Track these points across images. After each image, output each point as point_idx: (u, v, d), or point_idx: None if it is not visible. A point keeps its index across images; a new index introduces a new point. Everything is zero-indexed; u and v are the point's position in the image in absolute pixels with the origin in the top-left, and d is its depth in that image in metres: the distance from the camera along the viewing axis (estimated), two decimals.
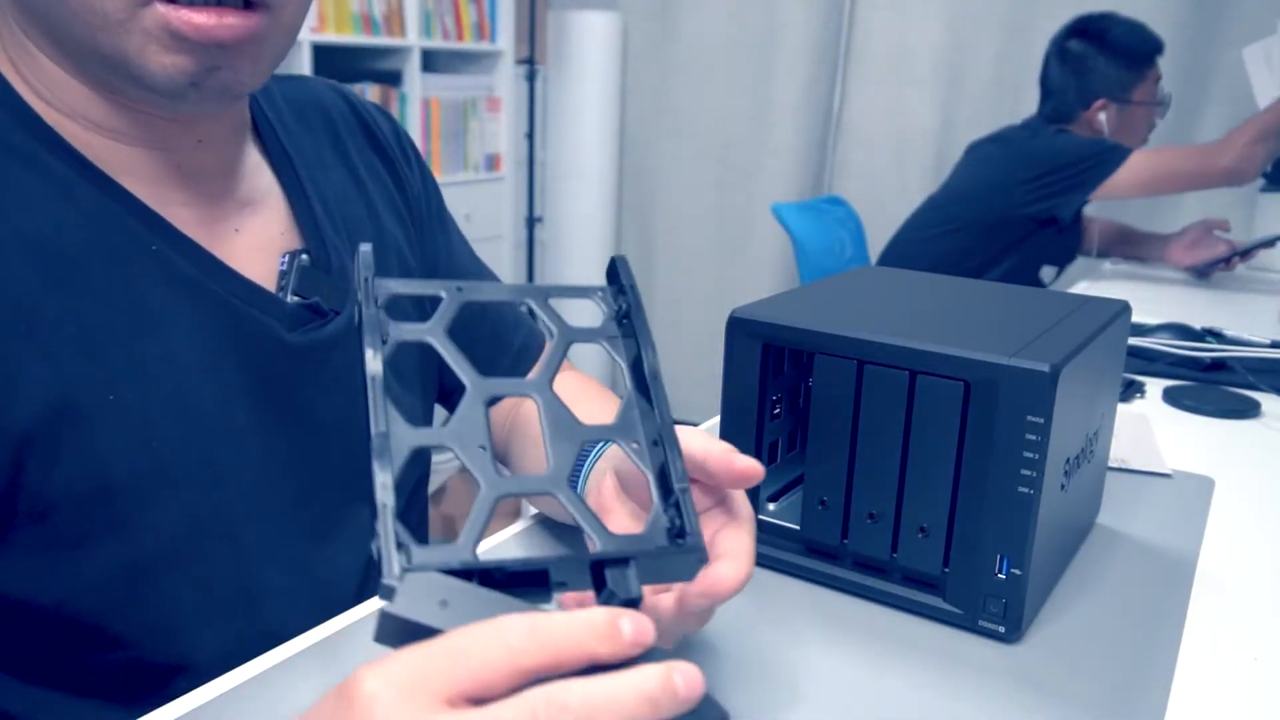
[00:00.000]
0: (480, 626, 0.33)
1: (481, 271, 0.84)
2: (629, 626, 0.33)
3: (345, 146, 0.74)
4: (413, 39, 2.57)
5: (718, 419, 0.69)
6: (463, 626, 0.33)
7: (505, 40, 2.86)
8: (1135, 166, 1.85)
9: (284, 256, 0.65)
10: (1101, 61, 1.93)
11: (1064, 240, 2.02)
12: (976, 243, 2.00)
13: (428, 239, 0.79)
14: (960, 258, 1.99)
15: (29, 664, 0.59)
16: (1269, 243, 1.86)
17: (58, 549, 0.55)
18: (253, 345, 0.62)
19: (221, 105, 0.60)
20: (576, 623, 0.33)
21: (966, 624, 0.61)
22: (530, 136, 2.99)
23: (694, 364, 3.25)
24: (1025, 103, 2.59)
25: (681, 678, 0.32)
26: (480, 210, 2.84)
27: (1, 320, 0.52)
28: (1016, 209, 1.94)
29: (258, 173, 0.66)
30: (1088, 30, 1.96)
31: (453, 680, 0.32)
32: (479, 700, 0.32)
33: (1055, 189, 1.91)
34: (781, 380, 0.67)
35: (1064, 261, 2.11)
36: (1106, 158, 1.87)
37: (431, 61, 2.71)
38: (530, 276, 3.08)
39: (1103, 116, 1.95)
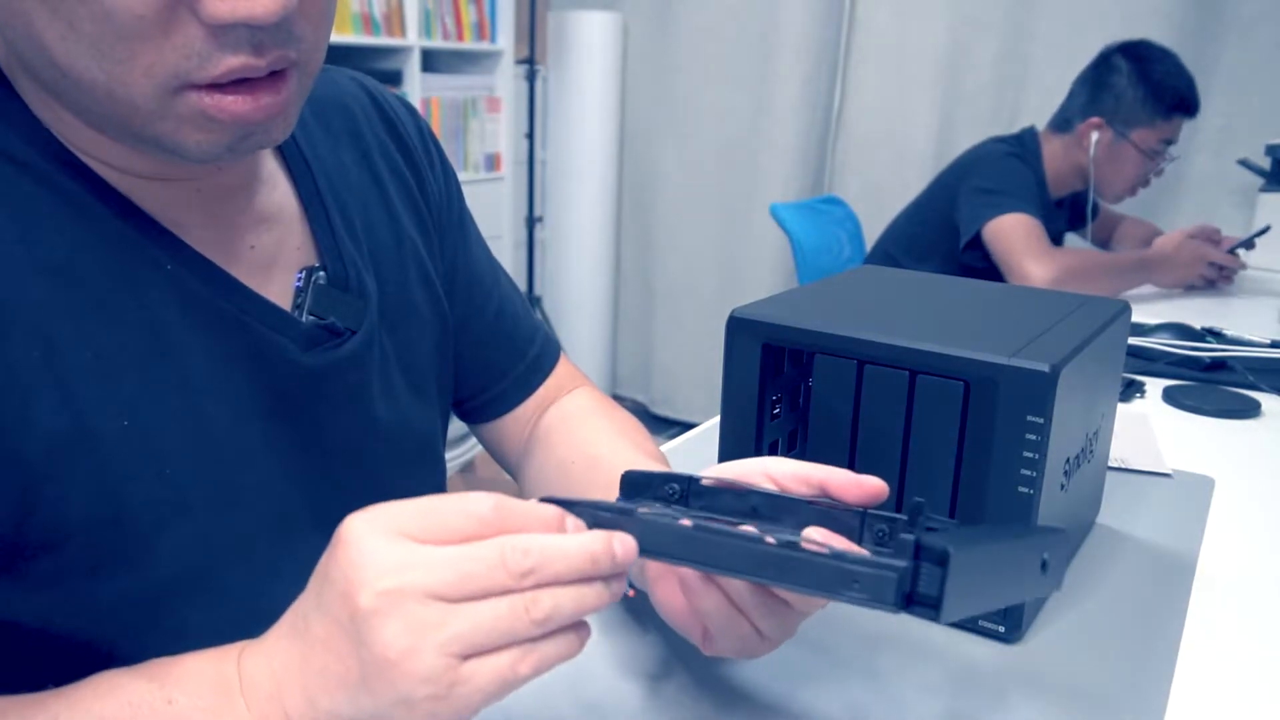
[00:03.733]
0: (456, 497, 0.42)
1: (498, 279, 0.84)
2: (571, 523, 0.42)
3: (366, 145, 0.72)
4: (413, 39, 2.57)
5: (718, 419, 0.70)
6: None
7: (505, 40, 2.86)
8: (1003, 224, 1.79)
9: (300, 273, 0.64)
10: (1125, 83, 1.85)
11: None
12: (937, 244, 1.98)
13: (448, 240, 0.78)
14: (923, 259, 1.98)
15: (43, 689, 0.58)
16: (1247, 242, 1.86)
17: (72, 577, 0.54)
18: (266, 366, 0.61)
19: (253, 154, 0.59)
20: (530, 509, 0.42)
21: (966, 624, 0.61)
22: (530, 136, 2.99)
23: (694, 364, 3.25)
24: (1025, 103, 2.60)
25: (620, 545, 0.41)
26: (480, 210, 2.84)
27: (17, 347, 0.51)
28: (949, 212, 1.93)
29: (274, 184, 0.65)
30: (1135, 51, 1.88)
31: (428, 529, 0.41)
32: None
33: (960, 199, 1.89)
34: (781, 380, 0.67)
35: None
36: (998, 199, 1.82)
37: (431, 61, 2.71)
38: (530, 276, 3.08)
39: (1095, 136, 1.88)
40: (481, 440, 0.87)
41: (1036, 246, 1.75)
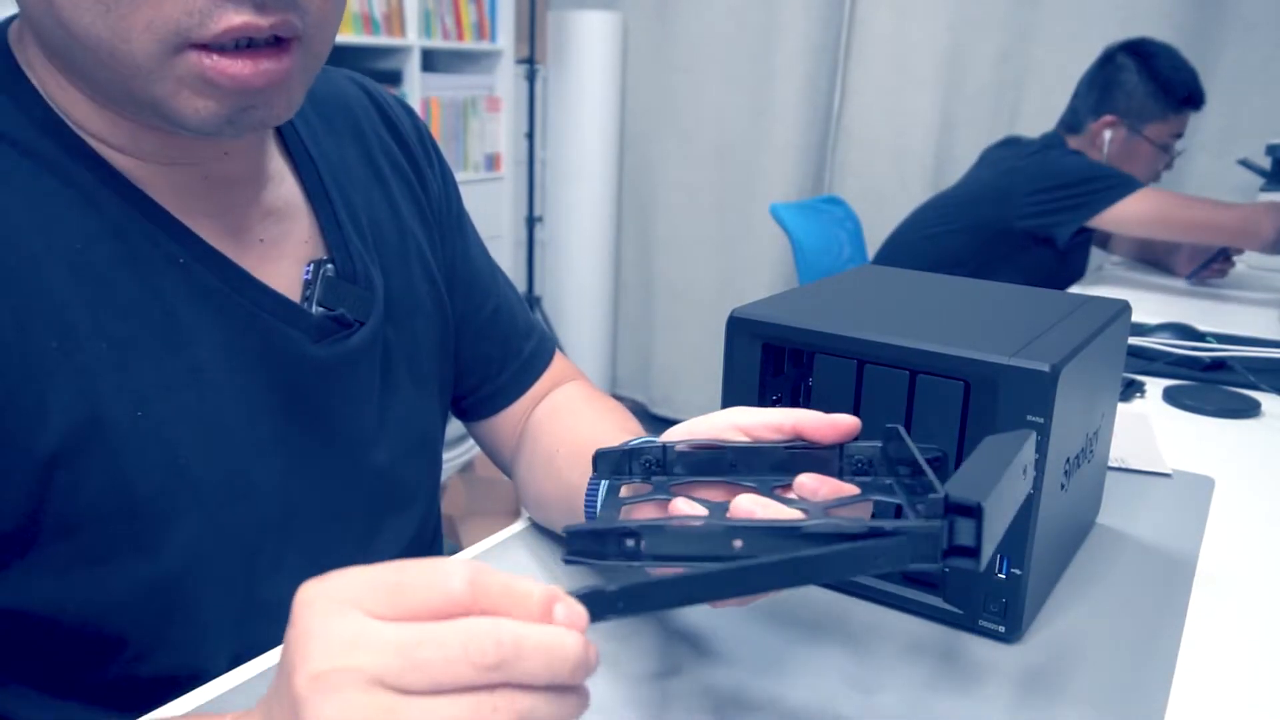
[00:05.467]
0: (424, 565, 0.35)
1: (496, 277, 0.84)
2: (562, 611, 0.35)
3: (369, 143, 0.73)
4: (413, 39, 2.57)
5: None
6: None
7: (505, 40, 2.86)
8: (1146, 201, 1.78)
9: (308, 266, 0.64)
10: (1134, 80, 1.87)
11: (1063, 267, 1.94)
12: (971, 249, 1.96)
13: (447, 238, 0.79)
14: (954, 263, 1.95)
15: (52, 676, 0.58)
16: None
17: (83, 565, 0.55)
18: (277, 358, 0.61)
19: (255, 134, 0.60)
20: (514, 586, 0.34)
21: (966, 624, 0.61)
22: (530, 136, 2.99)
23: (694, 364, 3.25)
24: (1025, 103, 2.60)
25: (595, 654, 0.34)
26: (480, 210, 2.84)
27: (35, 336, 0.51)
28: (1015, 220, 1.89)
29: (281, 179, 0.65)
30: (1139, 49, 1.89)
31: (385, 603, 0.34)
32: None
33: (1055, 206, 1.86)
34: (781, 380, 0.67)
35: (1060, 287, 2.04)
36: (1114, 184, 1.80)
37: (431, 61, 2.71)
38: (530, 276, 3.08)
39: (1108, 134, 1.89)
40: (477, 438, 0.87)
41: (1213, 205, 1.76)
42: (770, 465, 0.52)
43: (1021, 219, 1.89)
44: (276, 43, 0.52)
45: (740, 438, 0.53)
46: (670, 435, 0.56)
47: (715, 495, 0.52)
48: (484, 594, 0.34)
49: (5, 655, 0.56)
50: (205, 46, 0.50)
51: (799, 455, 0.51)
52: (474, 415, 0.84)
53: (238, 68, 0.50)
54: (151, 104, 0.52)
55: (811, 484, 0.48)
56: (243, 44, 0.50)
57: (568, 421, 0.76)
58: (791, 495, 0.49)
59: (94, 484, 0.53)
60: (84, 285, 0.53)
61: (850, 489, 0.49)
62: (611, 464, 0.55)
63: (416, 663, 0.32)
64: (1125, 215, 1.80)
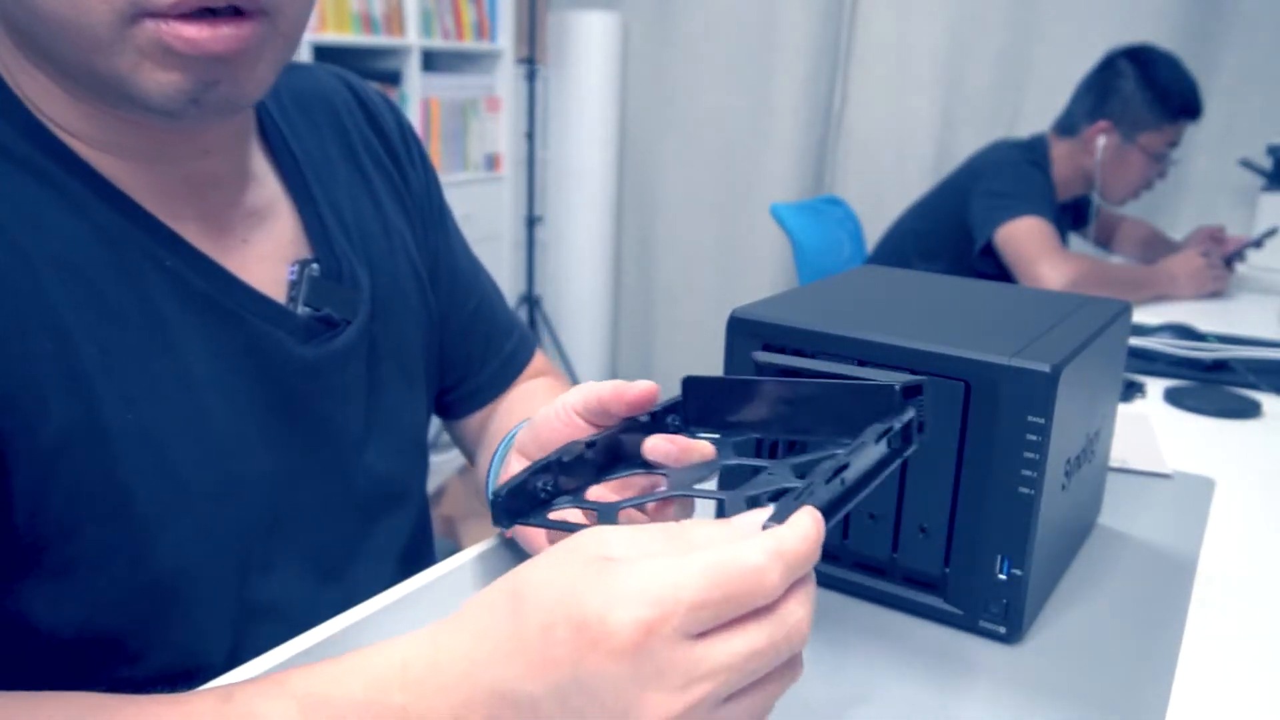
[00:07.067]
0: (743, 575, 0.36)
1: (477, 270, 0.84)
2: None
3: (350, 139, 0.73)
4: (413, 39, 2.57)
5: None
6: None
7: (505, 40, 2.86)
8: (1017, 228, 1.79)
9: (293, 266, 0.64)
10: (1131, 87, 1.86)
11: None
12: (942, 245, 1.97)
13: (429, 233, 0.79)
14: (928, 258, 1.97)
15: (48, 679, 0.58)
16: (1256, 242, 1.86)
17: (79, 570, 0.55)
18: (265, 359, 0.61)
19: (224, 117, 0.59)
20: (806, 552, 0.37)
21: (967, 624, 0.61)
22: (530, 136, 2.99)
23: (694, 364, 3.25)
24: (1025, 103, 2.60)
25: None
26: (480, 210, 2.84)
27: (31, 340, 0.51)
28: (961, 213, 1.92)
29: (264, 180, 0.65)
30: (1139, 55, 1.88)
31: (712, 620, 0.35)
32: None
33: (974, 203, 1.88)
34: None
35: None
36: (1011, 202, 1.82)
37: (431, 61, 2.71)
38: (530, 276, 3.08)
39: (1101, 140, 1.88)
40: (455, 438, 0.86)
41: (1050, 250, 1.74)
42: (623, 456, 0.54)
43: (961, 211, 1.91)
44: (236, 14, 0.51)
45: (584, 423, 0.56)
46: (523, 450, 0.60)
47: (610, 496, 0.54)
48: (792, 572, 0.37)
49: (2, 659, 0.56)
50: (162, 15, 0.49)
51: (639, 429, 0.54)
52: (454, 413, 0.84)
53: (194, 31, 0.50)
54: (115, 80, 0.51)
55: (663, 445, 0.51)
56: (202, 14, 0.50)
57: (518, 409, 0.77)
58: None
59: (89, 487, 0.54)
60: (72, 289, 0.53)
61: (703, 446, 0.51)
62: (508, 512, 0.50)
63: (750, 673, 0.36)
64: (1001, 235, 1.80)
